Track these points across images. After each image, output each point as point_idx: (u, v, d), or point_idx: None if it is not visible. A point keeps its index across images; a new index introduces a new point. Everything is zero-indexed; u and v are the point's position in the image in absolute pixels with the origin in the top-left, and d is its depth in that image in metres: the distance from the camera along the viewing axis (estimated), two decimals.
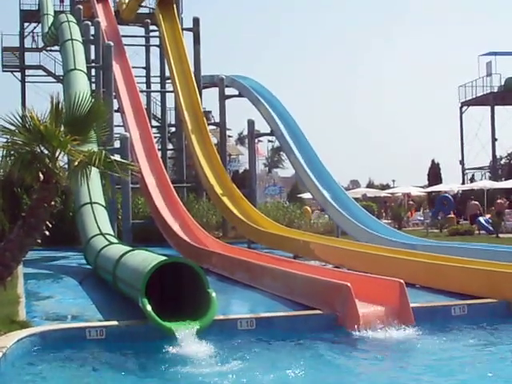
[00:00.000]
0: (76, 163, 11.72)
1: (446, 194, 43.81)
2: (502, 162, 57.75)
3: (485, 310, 12.76)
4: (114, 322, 11.27)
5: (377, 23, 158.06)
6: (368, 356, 10.29)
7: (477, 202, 41.00)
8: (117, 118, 31.07)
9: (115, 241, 18.84)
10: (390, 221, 40.48)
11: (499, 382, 8.73)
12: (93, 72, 31.58)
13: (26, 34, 45.06)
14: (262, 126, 33.97)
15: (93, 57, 31.88)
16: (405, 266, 16.37)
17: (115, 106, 31.02)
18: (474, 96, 54.44)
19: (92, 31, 32.40)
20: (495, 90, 53.28)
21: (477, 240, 27.29)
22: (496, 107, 53.41)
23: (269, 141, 76.23)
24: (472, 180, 53.96)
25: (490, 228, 33.81)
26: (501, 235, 31.87)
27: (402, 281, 12.23)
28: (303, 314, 12.26)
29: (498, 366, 9.48)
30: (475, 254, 17.95)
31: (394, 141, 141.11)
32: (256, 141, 35.89)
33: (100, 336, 10.86)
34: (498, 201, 39.15)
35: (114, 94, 30.09)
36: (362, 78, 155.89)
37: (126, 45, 35.00)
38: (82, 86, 25.65)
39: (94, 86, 31.08)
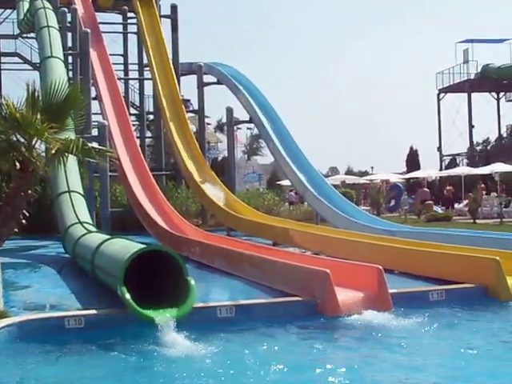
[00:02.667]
0: (53, 151, 11.65)
1: (398, 183, 44.53)
2: (479, 148, 58.10)
3: (462, 294, 12.84)
4: (93, 311, 11.22)
5: (356, 11, 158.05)
6: (346, 341, 10.33)
7: (427, 189, 41.84)
8: (95, 106, 30.88)
9: (94, 229, 18.77)
10: (368, 207, 40.64)
11: (474, 366, 8.77)
12: (70, 59, 31.36)
13: (0, 20, 44.65)
14: (240, 113, 33.95)
15: (70, 44, 31.67)
16: (383, 252, 16.45)
17: (93, 93, 30.85)
18: (451, 83, 54.70)
19: (69, 18, 32.14)
20: (472, 77, 53.53)
21: (454, 226, 27.43)
22: (473, 94, 53.69)
23: (248, 128, 76.18)
24: (454, 166, 54.19)
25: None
26: (478, 221, 32.07)
27: (380, 267, 12.27)
28: (283, 300, 12.27)
29: (474, 350, 9.53)
30: (453, 240, 18.13)
31: (373, 128, 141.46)
32: (235, 128, 35.96)
33: (79, 325, 10.80)
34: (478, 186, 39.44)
35: (91, 81, 29.92)
36: (341, 65, 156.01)
37: (103, 32, 34.79)
38: (59, 74, 25.46)
39: (71, 73, 30.87)
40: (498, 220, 31.41)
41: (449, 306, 12.23)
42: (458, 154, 56.30)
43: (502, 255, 13.61)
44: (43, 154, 12.29)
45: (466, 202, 37.63)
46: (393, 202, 42.21)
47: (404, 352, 9.51)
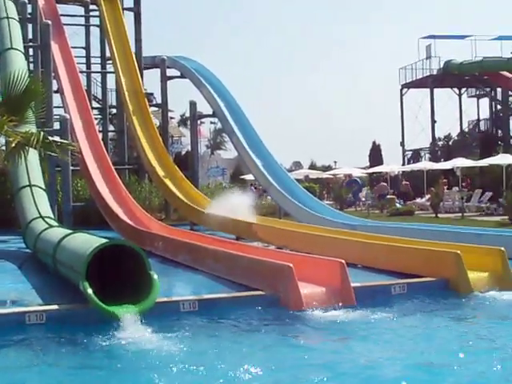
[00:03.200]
0: (13, 145, 11.52)
1: (355, 178, 44.96)
2: (441, 143, 58.57)
3: (424, 288, 12.97)
4: (55, 307, 11.13)
5: (320, 7, 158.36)
6: (308, 335, 10.37)
7: (385, 183, 42.36)
8: (56, 99, 30.59)
9: (55, 224, 18.61)
10: (331, 202, 40.79)
11: (433, 356, 8.85)
12: (31, 52, 31.02)
13: None
14: (204, 107, 33.86)
15: (30, 36, 31.31)
16: (346, 247, 16.53)
17: (54, 86, 30.54)
18: (413, 78, 55.03)
19: (29, 9, 31.75)
20: (434, 72, 53.89)
21: (416, 220, 27.63)
22: (435, 90, 54.07)
23: (211, 122, 76.09)
24: (418, 159, 54.52)
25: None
26: (439, 215, 32.32)
27: (343, 261, 12.33)
28: (246, 295, 12.28)
29: (434, 342, 9.64)
30: (414, 234, 18.29)
31: (336, 122, 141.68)
32: (198, 122, 35.78)
33: (40, 321, 10.72)
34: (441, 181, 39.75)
35: (53, 74, 29.61)
36: (303, 60, 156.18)
37: (65, 24, 34.40)
38: (19, 66, 25.10)
39: (32, 66, 30.54)
40: (460, 214, 31.66)
41: (411, 299, 12.33)
42: (421, 149, 56.70)
43: (463, 249, 13.73)
44: (3, 148, 12.17)
45: (428, 196, 37.89)
46: (350, 196, 42.49)
47: (365, 344, 9.55)
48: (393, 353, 9.14)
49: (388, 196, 39.49)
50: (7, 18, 29.45)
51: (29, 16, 31.55)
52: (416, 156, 55.80)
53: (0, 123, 11.00)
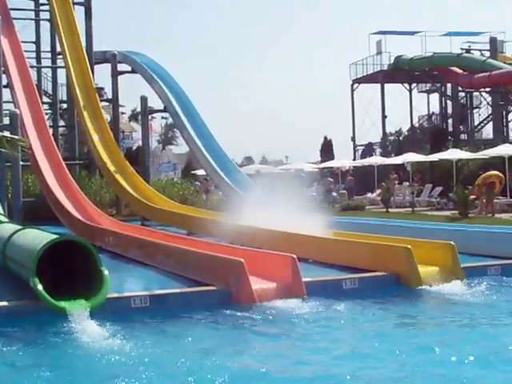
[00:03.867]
0: None
1: (299, 173, 45.20)
2: (392, 138, 59.02)
3: (375, 282, 13.12)
4: (4, 303, 11.07)
5: (270, 3, 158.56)
6: (259, 329, 10.41)
7: (331, 179, 42.71)
8: (6, 94, 30.25)
9: (5, 220, 18.46)
10: None
11: (382, 351, 8.97)
12: None
13: None
14: (155, 102, 33.78)
15: None
16: (297, 242, 16.58)
17: (4, 81, 30.21)
18: (364, 74, 55.36)
19: None
20: (385, 68, 54.29)
21: (367, 215, 27.89)
22: (386, 85, 54.48)
23: (162, 117, 75.87)
24: (371, 153, 54.79)
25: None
26: (390, 210, 32.65)
27: (294, 256, 12.42)
28: (197, 290, 12.32)
29: (383, 336, 9.76)
30: (365, 229, 18.39)
31: (287, 117, 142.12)
32: (149, 117, 35.74)
33: None
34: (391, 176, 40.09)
35: (2, 69, 29.30)
36: (254, 54, 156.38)
37: (14, 18, 34.04)
38: None
39: None
40: (410, 209, 32.00)
41: (361, 294, 12.46)
42: (372, 144, 57.07)
43: (413, 243, 13.88)
44: None
45: (378, 191, 38.24)
46: None
47: (315, 338, 9.67)
48: (337, 347, 9.26)
49: (335, 192, 39.75)
50: None
51: None
52: (369, 150, 56.02)
53: None
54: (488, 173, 29.51)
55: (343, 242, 15.75)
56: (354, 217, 25.07)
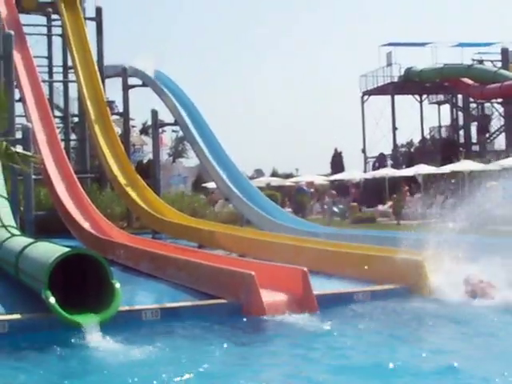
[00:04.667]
0: None
1: (302, 186, 45.26)
2: (402, 150, 58.95)
3: (387, 295, 13.10)
4: (17, 316, 11.13)
5: (279, 12, 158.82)
6: (271, 342, 10.42)
7: (333, 192, 42.76)
8: (18, 109, 30.42)
9: (17, 233, 18.53)
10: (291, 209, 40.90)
11: (397, 366, 8.95)
12: None
13: None
14: (166, 115, 33.90)
15: None
16: (308, 254, 16.58)
17: (17, 95, 30.42)
18: (374, 86, 55.40)
19: None
20: (395, 79, 54.32)
21: (378, 227, 27.85)
22: (396, 97, 54.50)
23: (173, 131, 75.90)
24: (385, 162, 54.69)
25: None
26: (402, 222, 32.58)
27: (305, 269, 12.44)
28: (208, 303, 12.36)
29: (395, 350, 9.74)
30: (377, 241, 18.36)
31: (297, 130, 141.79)
32: (160, 131, 35.87)
33: (2, 330, 10.72)
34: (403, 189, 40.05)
35: (15, 83, 29.49)
36: (265, 67, 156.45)
37: (27, 34, 34.33)
38: None
39: None
40: (422, 221, 31.88)
41: (373, 306, 12.45)
42: (384, 155, 56.93)
43: (419, 255, 13.86)
44: None
45: (389, 203, 38.20)
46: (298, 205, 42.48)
47: (326, 352, 9.67)
48: (350, 361, 9.25)
49: (351, 203, 39.74)
50: None
51: None
52: (382, 161, 55.78)
53: None
54: None
55: (355, 254, 15.76)
56: (365, 229, 25.04)
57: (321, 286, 13.13)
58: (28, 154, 13.51)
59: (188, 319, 11.52)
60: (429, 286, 13.07)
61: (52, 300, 10.64)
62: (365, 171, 54.31)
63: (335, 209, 39.06)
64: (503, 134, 53.35)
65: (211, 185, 44.60)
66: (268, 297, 12.02)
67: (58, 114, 41.53)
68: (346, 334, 10.66)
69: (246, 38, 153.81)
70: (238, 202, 27.95)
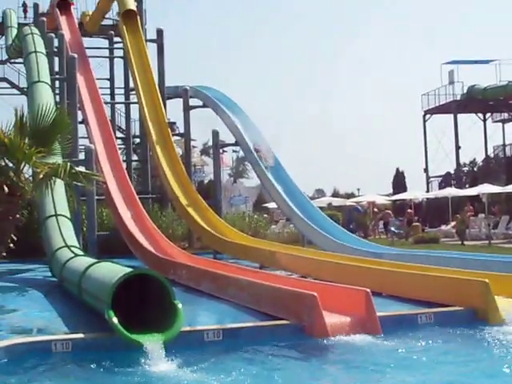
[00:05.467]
0: (41, 175, 11.68)
1: (357, 206, 45.07)
2: (466, 169, 58.25)
3: (451, 318, 12.82)
4: (80, 335, 11.20)
5: (341, 32, 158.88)
6: (334, 364, 10.32)
7: (389, 211, 42.45)
8: (81, 130, 30.93)
9: (80, 253, 18.72)
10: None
11: None
12: (57, 84, 31.37)
13: None
14: (226, 136, 34.01)
15: (57, 69, 31.71)
16: (371, 275, 16.42)
17: (79, 117, 30.92)
18: (437, 104, 54.91)
19: (56, 43, 32.25)
20: (458, 98, 53.76)
21: (442, 248, 27.49)
22: (459, 115, 53.89)
23: (233, 151, 76.43)
24: (451, 181, 54.06)
25: (401, 232, 38.31)
26: (466, 243, 32.16)
27: (368, 290, 12.30)
28: (270, 324, 12.27)
29: (462, 373, 9.55)
30: (441, 262, 18.08)
31: (359, 149, 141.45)
32: (221, 151, 35.96)
33: (66, 349, 10.78)
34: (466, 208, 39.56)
35: (78, 105, 29.96)
36: (327, 87, 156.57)
37: (89, 56, 35.02)
38: (46, 98, 25.48)
39: (58, 97, 30.87)
40: (487, 242, 31.46)
41: (437, 329, 12.21)
42: (450, 174, 56.28)
43: (490, 277, 13.56)
44: (31, 178, 12.34)
45: (453, 223, 37.75)
46: (353, 225, 42.23)
47: (391, 375, 9.52)
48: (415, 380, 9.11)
49: (413, 223, 39.42)
50: (35, 52, 30.06)
51: (55, 50, 32.02)
52: (448, 180, 55.03)
53: (29, 155, 11.19)
54: None
55: (418, 275, 15.52)
56: (429, 250, 24.71)
57: (383, 308, 12.96)
58: (91, 172, 13.66)
59: (250, 340, 11.44)
60: (494, 310, 12.78)
61: (115, 320, 10.67)
62: (427, 191, 53.78)
63: (392, 228, 38.92)
64: None
65: (272, 205, 44.65)
66: (331, 318, 11.90)
67: (119, 135, 42.09)
68: (411, 357, 10.46)
69: (307, 57, 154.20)
70: (299, 222, 27.84)
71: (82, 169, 14.22)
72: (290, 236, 33.11)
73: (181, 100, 34.43)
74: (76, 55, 30.52)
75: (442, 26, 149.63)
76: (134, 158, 43.08)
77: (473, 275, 14.41)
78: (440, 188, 52.70)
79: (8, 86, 44.97)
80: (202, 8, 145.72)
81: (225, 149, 51.97)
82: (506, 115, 56.86)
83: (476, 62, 55.48)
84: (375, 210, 50.87)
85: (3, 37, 41.77)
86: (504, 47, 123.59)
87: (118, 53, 39.72)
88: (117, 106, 41.81)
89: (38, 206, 22.76)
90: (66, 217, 21.67)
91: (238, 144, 33.01)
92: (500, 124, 58.13)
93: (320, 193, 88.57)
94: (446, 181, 54.80)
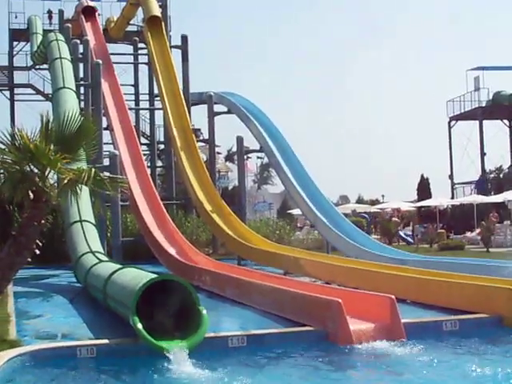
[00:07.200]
0: (66, 181, 11.72)
1: (363, 214, 44.96)
2: (491, 176, 57.81)
3: (476, 324, 12.76)
4: (105, 341, 11.23)
5: (365, 38, 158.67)
6: (360, 372, 10.28)
7: (397, 219, 42.18)
8: (106, 136, 31.11)
9: (105, 259, 18.79)
10: (379, 236, 40.59)
11: None
12: (82, 90, 31.55)
13: (15, 52, 45.06)
14: (251, 142, 34.02)
15: (81, 75, 31.91)
16: (395, 282, 16.36)
17: (104, 123, 31.07)
18: (462, 111, 54.60)
19: (81, 49, 32.47)
20: (483, 104, 53.41)
21: (467, 255, 27.33)
22: (484, 122, 53.54)
23: (258, 157, 76.51)
24: (485, 188, 53.61)
25: (410, 240, 38.51)
26: (491, 250, 31.94)
27: (392, 296, 12.24)
28: (294, 330, 12.24)
29: (488, 380, 9.47)
30: (466, 269, 17.96)
31: (383, 156, 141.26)
32: (245, 157, 35.95)
33: (91, 354, 10.81)
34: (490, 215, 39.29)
35: (102, 111, 30.11)
36: (351, 92, 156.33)
37: (114, 63, 35.16)
38: (71, 104, 25.66)
39: (82, 103, 31.05)
40: None
41: (463, 336, 12.12)
42: (470, 182, 55.96)
43: None
44: (56, 184, 12.39)
45: (478, 230, 37.52)
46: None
47: (417, 382, 9.45)
48: None
49: (439, 230, 39.25)
50: (60, 58, 30.27)
51: (80, 56, 32.23)
52: (482, 186, 54.41)
53: (54, 161, 11.24)
54: None
55: (443, 282, 15.43)
56: (454, 256, 24.56)
57: (408, 314, 12.89)
58: (116, 177, 13.69)
59: (274, 346, 11.42)
60: None
61: (139, 326, 10.69)
62: (452, 198, 53.47)
63: (401, 234, 38.79)
64: None
65: (296, 211, 44.59)
66: (355, 324, 11.85)
67: (144, 141, 42.21)
68: (436, 363, 10.40)
69: (332, 61, 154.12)
70: (323, 228, 27.77)
71: (106, 175, 14.24)
72: (314, 242, 33.02)
73: (205, 106, 34.48)
74: (101, 61, 30.71)
75: (467, 32, 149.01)
76: (159, 164, 43.20)
77: (498, 282, 14.32)
78: (478, 192, 51.98)
79: (33, 92, 45.28)
80: (227, 14, 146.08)
81: (249, 155, 51.84)
82: None
83: (502, 68, 55.07)
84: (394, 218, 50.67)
85: (28, 43, 42.08)
86: None
87: (143, 59, 39.91)
88: (141, 112, 41.97)
89: (62, 212, 22.87)
90: (90, 222, 21.77)
91: (262, 150, 32.99)
92: None
93: (344, 199, 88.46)
94: (478, 186, 54.24)
